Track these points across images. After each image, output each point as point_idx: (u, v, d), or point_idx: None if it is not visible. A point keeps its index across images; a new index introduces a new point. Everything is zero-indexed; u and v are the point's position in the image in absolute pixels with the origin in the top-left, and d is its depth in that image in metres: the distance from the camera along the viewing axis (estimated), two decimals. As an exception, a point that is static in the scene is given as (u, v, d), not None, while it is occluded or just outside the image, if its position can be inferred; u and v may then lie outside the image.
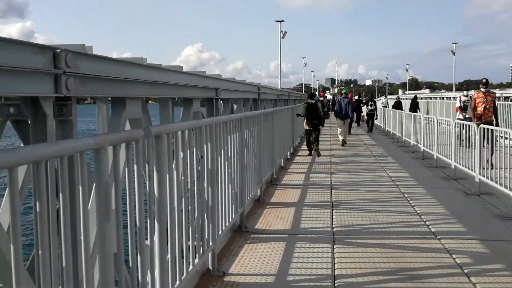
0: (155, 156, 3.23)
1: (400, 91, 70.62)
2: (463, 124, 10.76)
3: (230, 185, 5.35)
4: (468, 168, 9.25)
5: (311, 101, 14.93)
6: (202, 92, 5.96)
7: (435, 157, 12.02)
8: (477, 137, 8.66)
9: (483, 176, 8.34)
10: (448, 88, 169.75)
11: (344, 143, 17.42)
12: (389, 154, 14.65)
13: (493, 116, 11.51)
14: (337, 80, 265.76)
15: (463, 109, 15.04)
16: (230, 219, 5.39)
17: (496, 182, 7.79)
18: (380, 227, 6.36)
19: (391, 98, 38.00)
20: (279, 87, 29.51)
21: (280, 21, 41.39)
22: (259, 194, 7.77)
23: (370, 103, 25.04)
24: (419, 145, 14.33)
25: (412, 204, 7.60)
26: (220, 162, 4.87)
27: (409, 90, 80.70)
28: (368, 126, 24.78)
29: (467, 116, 14.16)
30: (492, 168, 8.26)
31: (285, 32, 41.01)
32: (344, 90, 21.99)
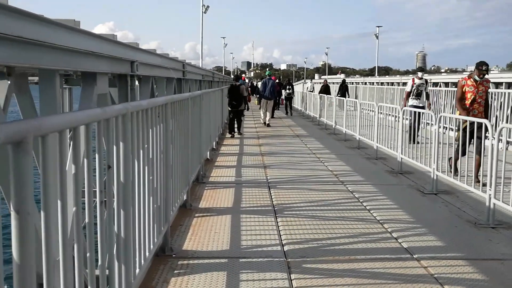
0: (13, 179, 1.63)
1: (316, 76, 70.99)
2: (415, 113, 9.76)
3: (151, 198, 3.77)
4: (417, 161, 8.31)
5: (236, 83, 15.97)
6: (112, 65, 4.23)
7: (357, 138, 11.83)
8: (435, 127, 7.63)
9: (438, 171, 7.39)
10: (359, 73, 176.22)
11: (267, 123, 18.28)
12: (320, 141, 13.65)
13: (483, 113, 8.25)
14: (253, 64, 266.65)
15: (416, 95, 12.71)
16: (152, 246, 3.82)
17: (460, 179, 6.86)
18: (341, 243, 5.07)
19: (318, 83, 37.55)
20: (200, 65, 27.38)
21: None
22: (185, 198, 6.21)
23: (288, 87, 25.91)
24: (347, 130, 13.58)
25: (368, 208, 6.44)
26: (138, 169, 3.28)
27: (323, 75, 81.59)
28: (286, 109, 25.75)
29: (420, 105, 12.45)
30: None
31: (207, 6, 36.25)
32: (268, 72, 23.04)
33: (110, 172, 2.57)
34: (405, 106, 12.16)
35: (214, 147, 11.80)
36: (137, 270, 3.41)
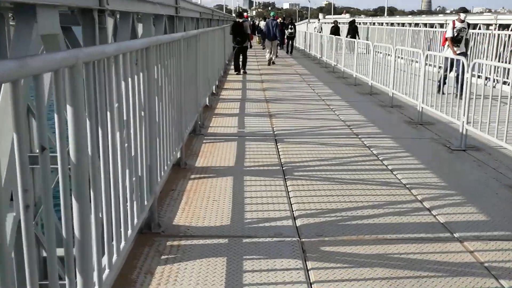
0: None
1: (320, 15, 68.01)
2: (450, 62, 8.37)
3: (127, 170, 2.87)
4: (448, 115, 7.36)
5: (239, 19, 15.84)
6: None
7: (369, 84, 11.34)
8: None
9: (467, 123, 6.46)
10: (363, 14, 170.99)
11: (271, 62, 18.87)
12: (328, 86, 12.62)
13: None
14: (255, 2, 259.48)
15: (456, 41, 10.81)
16: (129, 230, 2.96)
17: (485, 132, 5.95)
18: (364, 215, 4.18)
19: (326, 23, 35.02)
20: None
21: None
22: (179, 156, 5.31)
23: (290, 26, 25.91)
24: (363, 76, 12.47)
25: (390, 168, 5.56)
26: (104, 137, 2.36)
27: (327, 15, 78.29)
28: (287, 48, 25.99)
29: (458, 52, 10.47)
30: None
31: None
32: (273, 13, 23.65)
33: (45, 155, 1.65)
34: (454, 53, 10.26)
35: (214, 91, 10.83)
36: (114, 257, 2.59)
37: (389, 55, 10.68)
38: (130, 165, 2.93)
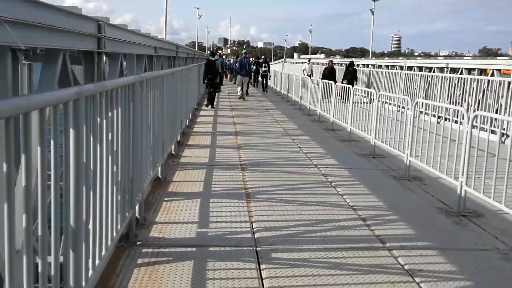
0: None
1: (295, 55, 70.31)
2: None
3: (111, 189, 3.55)
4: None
5: (212, 58, 17.17)
6: (76, 42, 3.94)
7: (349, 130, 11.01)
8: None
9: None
10: (335, 54, 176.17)
11: (243, 97, 20.16)
12: (299, 127, 13.50)
13: None
14: (230, 40, 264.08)
15: None
16: (109, 241, 3.61)
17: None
18: (313, 230, 4.97)
19: (319, 63, 32.59)
20: (164, 37, 25.89)
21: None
22: (159, 174, 5.99)
23: (264, 65, 27.21)
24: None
25: (341, 193, 6.36)
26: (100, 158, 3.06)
27: (302, 54, 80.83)
28: (262, 86, 27.01)
29: None
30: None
31: None
32: (244, 51, 24.69)
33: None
34: None
35: (187, 123, 11.58)
36: (97, 262, 3.23)
37: (405, 108, 8.61)
38: (113, 179, 3.62)
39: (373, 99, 9.59)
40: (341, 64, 26.27)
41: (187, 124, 11.47)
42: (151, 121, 5.58)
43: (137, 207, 4.84)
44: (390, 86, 18.78)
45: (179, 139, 9.30)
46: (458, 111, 9.35)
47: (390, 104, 11.65)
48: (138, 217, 4.95)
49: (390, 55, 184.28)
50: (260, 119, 14.59)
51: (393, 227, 5.21)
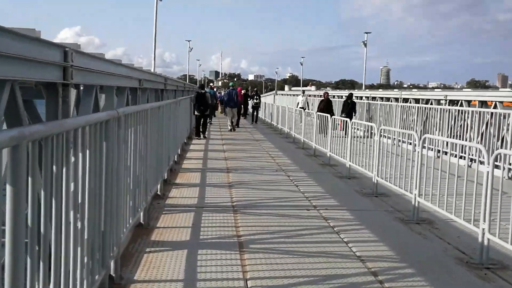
0: None
1: (286, 87, 70.24)
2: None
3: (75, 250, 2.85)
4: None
5: (201, 91, 17.97)
6: (35, 71, 3.28)
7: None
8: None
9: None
10: (325, 86, 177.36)
11: (233, 129, 20.77)
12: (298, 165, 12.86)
13: None
14: (221, 73, 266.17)
15: None
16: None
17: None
18: (318, 289, 4.25)
19: (311, 95, 32.52)
20: (152, 70, 25.06)
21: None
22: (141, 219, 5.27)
23: (255, 97, 28.84)
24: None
25: (345, 240, 5.66)
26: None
27: (293, 86, 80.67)
28: (252, 117, 27.59)
29: None
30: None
31: None
32: (232, 83, 24.88)
33: None
34: None
35: (179, 152, 10.89)
36: None
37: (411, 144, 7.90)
38: (77, 238, 2.92)
39: (374, 133, 8.98)
40: (333, 96, 26.09)
41: (175, 160, 10.78)
42: (132, 161, 4.93)
43: (112, 263, 4.13)
44: (386, 118, 18.24)
45: (166, 177, 8.60)
46: (476, 148, 8.02)
47: (389, 138, 10.95)
48: (114, 275, 4.23)
49: (380, 87, 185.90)
50: (252, 153, 13.94)
51: (410, 283, 4.51)
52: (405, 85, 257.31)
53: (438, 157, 9.42)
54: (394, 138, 8.42)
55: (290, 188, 8.77)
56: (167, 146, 8.16)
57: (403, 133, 11.75)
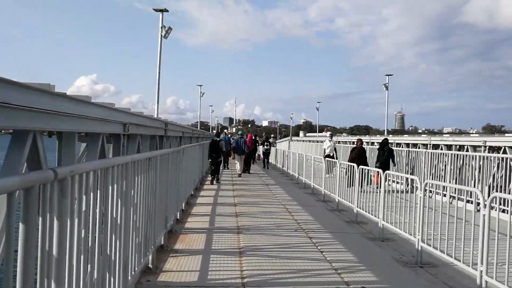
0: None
1: (301, 133, 68.97)
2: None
3: None
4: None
5: (216, 138, 18.91)
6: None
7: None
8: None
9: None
10: (341, 132, 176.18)
11: (240, 174, 21.93)
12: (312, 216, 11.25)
13: None
14: (235, 120, 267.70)
15: None
16: None
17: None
18: None
19: (345, 141, 29.53)
20: (155, 115, 23.99)
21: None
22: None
23: (266, 143, 29.46)
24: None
25: None
26: None
27: (308, 132, 79.31)
28: (263, 163, 28.78)
29: None
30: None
31: (169, 28, 25.71)
32: (240, 132, 26.89)
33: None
34: None
35: (173, 227, 9.36)
36: None
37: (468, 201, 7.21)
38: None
39: (416, 187, 7.40)
40: (352, 143, 24.79)
41: (177, 218, 9.26)
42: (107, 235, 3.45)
43: None
44: (413, 166, 16.59)
45: (162, 242, 7.08)
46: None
47: (437, 193, 8.77)
48: None
49: (394, 132, 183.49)
50: (266, 207, 12.34)
51: None
52: (419, 131, 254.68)
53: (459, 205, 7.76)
54: (445, 194, 6.63)
55: (314, 256, 7.15)
56: (163, 205, 6.68)
57: (458, 189, 9.56)
